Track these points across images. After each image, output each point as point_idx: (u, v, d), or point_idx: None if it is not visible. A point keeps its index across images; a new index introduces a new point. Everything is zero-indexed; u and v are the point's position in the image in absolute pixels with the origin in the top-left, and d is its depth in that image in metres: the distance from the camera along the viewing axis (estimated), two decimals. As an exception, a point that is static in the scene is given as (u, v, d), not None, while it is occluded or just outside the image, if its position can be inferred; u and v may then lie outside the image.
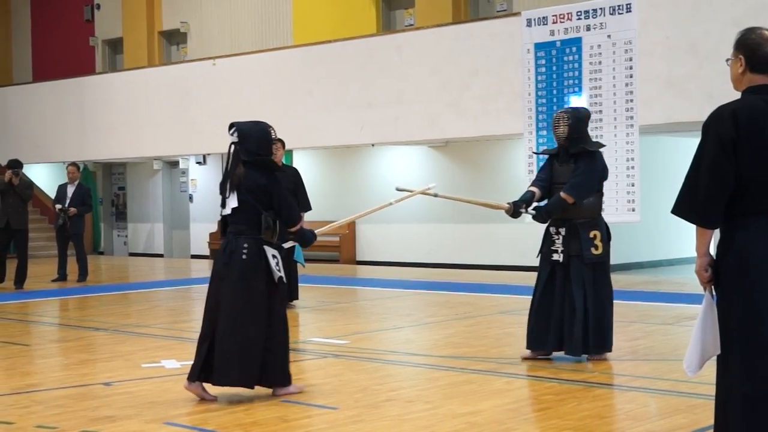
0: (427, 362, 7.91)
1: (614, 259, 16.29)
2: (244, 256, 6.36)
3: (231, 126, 6.53)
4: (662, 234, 17.57)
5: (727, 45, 14.67)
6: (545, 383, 6.90)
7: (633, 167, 13.58)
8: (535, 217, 7.71)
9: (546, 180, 7.80)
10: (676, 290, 13.01)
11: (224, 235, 6.59)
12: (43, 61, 26.20)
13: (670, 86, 13.49)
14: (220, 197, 6.60)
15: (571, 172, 7.64)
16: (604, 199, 8.06)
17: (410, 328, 10.13)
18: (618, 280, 14.55)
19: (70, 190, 15.53)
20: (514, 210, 7.66)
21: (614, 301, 10.52)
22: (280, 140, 11.82)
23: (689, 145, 19.44)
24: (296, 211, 6.61)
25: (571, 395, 6.46)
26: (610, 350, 7.66)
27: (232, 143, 6.50)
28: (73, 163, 16.08)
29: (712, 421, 5.65)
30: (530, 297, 7.89)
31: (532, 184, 7.88)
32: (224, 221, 6.63)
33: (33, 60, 26.62)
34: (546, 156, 8.20)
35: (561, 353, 7.69)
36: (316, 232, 6.93)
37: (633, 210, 13.55)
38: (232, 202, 6.42)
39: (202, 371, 6.38)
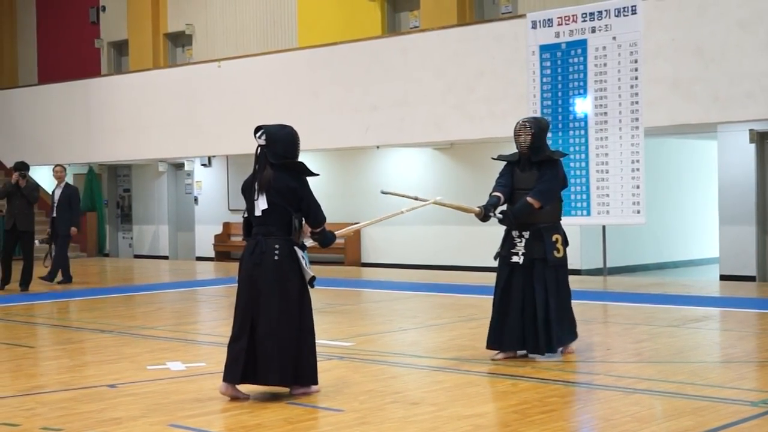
0: (432, 364, 7.90)
1: (619, 261, 16.45)
2: (276, 257, 6.44)
3: (258, 129, 6.63)
4: (667, 236, 17.56)
5: (732, 47, 14.70)
6: (550, 385, 6.90)
7: (638, 169, 13.57)
8: (501, 221, 7.97)
9: (508, 186, 8.09)
10: (682, 292, 12.99)
11: (248, 237, 6.63)
12: (48, 63, 26.25)
13: (676, 88, 13.48)
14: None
15: (536, 179, 7.93)
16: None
17: (415, 330, 10.13)
18: (623, 283, 14.57)
19: (57, 193, 15.55)
20: (485, 214, 7.91)
21: (618, 303, 10.52)
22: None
23: (695, 147, 19.57)
24: (323, 213, 6.69)
25: (576, 397, 6.46)
26: (576, 337, 8.06)
27: (260, 146, 6.57)
28: (59, 165, 16.09)
29: (717, 424, 5.66)
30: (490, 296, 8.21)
31: (495, 190, 8.11)
32: (248, 223, 6.67)
33: (38, 62, 26.67)
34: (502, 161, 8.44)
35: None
36: (336, 233, 6.98)
37: (638, 212, 13.53)
38: (262, 203, 6.49)
39: (243, 373, 6.42)
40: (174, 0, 23.13)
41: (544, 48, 14.35)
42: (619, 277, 15.70)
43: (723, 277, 14.80)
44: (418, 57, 16.49)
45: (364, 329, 10.12)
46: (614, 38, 13.67)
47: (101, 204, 23.77)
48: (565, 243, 8.02)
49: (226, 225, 21.36)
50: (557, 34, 14.22)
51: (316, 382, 6.63)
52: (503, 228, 8.11)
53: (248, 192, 6.63)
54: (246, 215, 6.67)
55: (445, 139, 16.77)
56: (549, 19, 14.30)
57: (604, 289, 13.48)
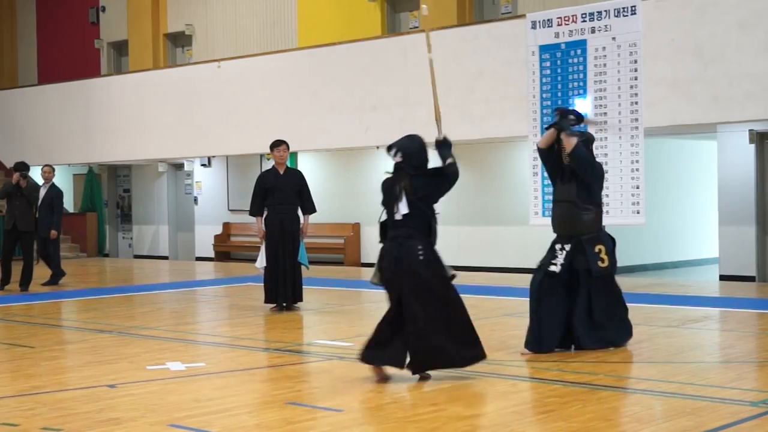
0: (431, 364, 7.90)
1: (619, 262, 16.30)
2: (420, 257, 6.94)
3: (391, 147, 7.07)
4: (667, 236, 17.56)
5: (732, 47, 14.66)
6: (549, 385, 6.90)
7: (638, 169, 13.55)
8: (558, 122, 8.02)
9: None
10: (681, 293, 13.00)
11: (385, 240, 7.12)
12: (48, 63, 26.25)
13: (675, 88, 13.49)
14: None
15: (576, 189, 8.08)
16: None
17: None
18: (622, 283, 14.46)
19: (42, 192, 15.43)
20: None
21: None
22: (285, 142, 11.85)
23: (694, 147, 19.53)
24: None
25: (575, 397, 6.45)
26: (630, 335, 8.31)
27: (397, 163, 7.03)
28: (48, 165, 16.00)
29: (716, 424, 5.66)
30: (524, 298, 8.46)
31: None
32: (384, 226, 7.13)
33: (38, 62, 26.67)
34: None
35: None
36: (444, 137, 7.23)
37: (638, 212, 13.52)
38: (403, 208, 6.94)
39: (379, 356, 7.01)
40: (174, 0, 23.14)
41: (543, 48, 14.33)
42: (619, 277, 15.54)
43: (723, 278, 14.80)
44: (418, 57, 16.47)
45: (364, 329, 10.09)
46: (614, 38, 13.65)
47: (101, 204, 23.78)
48: (613, 248, 8.14)
49: (226, 225, 21.36)
50: (557, 35, 14.21)
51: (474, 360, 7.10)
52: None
53: (387, 197, 7.05)
54: (383, 219, 7.12)
55: (445, 140, 16.76)
56: (549, 20, 14.28)
57: (604, 289, 13.46)
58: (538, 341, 8.06)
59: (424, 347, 6.92)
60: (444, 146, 7.17)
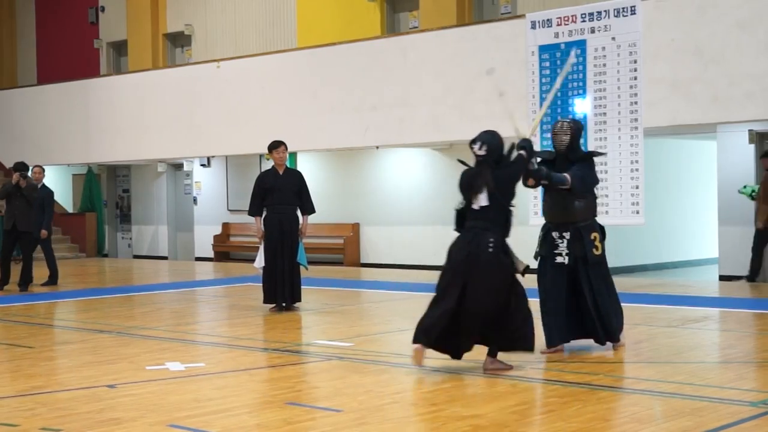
0: (431, 364, 7.88)
1: (619, 262, 16.43)
2: (490, 249, 7.20)
3: (475, 141, 7.40)
4: (667, 236, 17.57)
5: (731, 47, 14.66)
6: (549, 386, 6.90)
7: (637, 169, 13.55)
8: (533, 170, 7.92)
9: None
10: (681, 293, 13.00)
11: (461, 228, 7.42)
12: (47, 63, 26.25)
13: (675, 88, 13.49)
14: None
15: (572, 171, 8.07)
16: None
17: (414, 330, 10.11)
18: (622, 283, 14.51)
19: None
20: (531, 148, 7.83)
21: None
22: (284, 143, 11.84)
23: (694, 147, 19.52)
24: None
25: (575, 398, 6.45)
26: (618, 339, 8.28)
27: (480, 156, 7.31)
28: (38, 165, 15.94)
29: (716, 424, 5.66)
30: (535, 299, 8.22)
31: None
32: (461, 215, 7.43)
33: (38, 62, 26.66)
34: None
35: (579, 343, 8.25)
36: (526, 136, 7.74)
37: (637, 212, 13.52)
38: (483, 200, 7.25)
39: (438, 338, 7.28)
40: (173, 0, 23.14)
41: (543, 48, 14.33)
42: (619, 277, 15.62)
43: (722, 278, 14.80)
44: (418, 57, 16.49)
45: (364, 329, 10.12)
46: (613, 38, 13.64)
47: (100, 204, 23.77)
48: (603, 239, 8.17)
49: (225, 225, 21.35)
50: (556, 35, 14.21)
51: (529, 347, 7.35)
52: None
53: (467, 188, 7.34)
54: (460, 207, 7.42)
55: (445, 140, 16.77)
56: (548, 20, 14.28)
57: (604, 289, 13.47)
58: (554, 336, 8.08)
59: (477, 332, 7.24)
60: (528, 144, 7.58)
